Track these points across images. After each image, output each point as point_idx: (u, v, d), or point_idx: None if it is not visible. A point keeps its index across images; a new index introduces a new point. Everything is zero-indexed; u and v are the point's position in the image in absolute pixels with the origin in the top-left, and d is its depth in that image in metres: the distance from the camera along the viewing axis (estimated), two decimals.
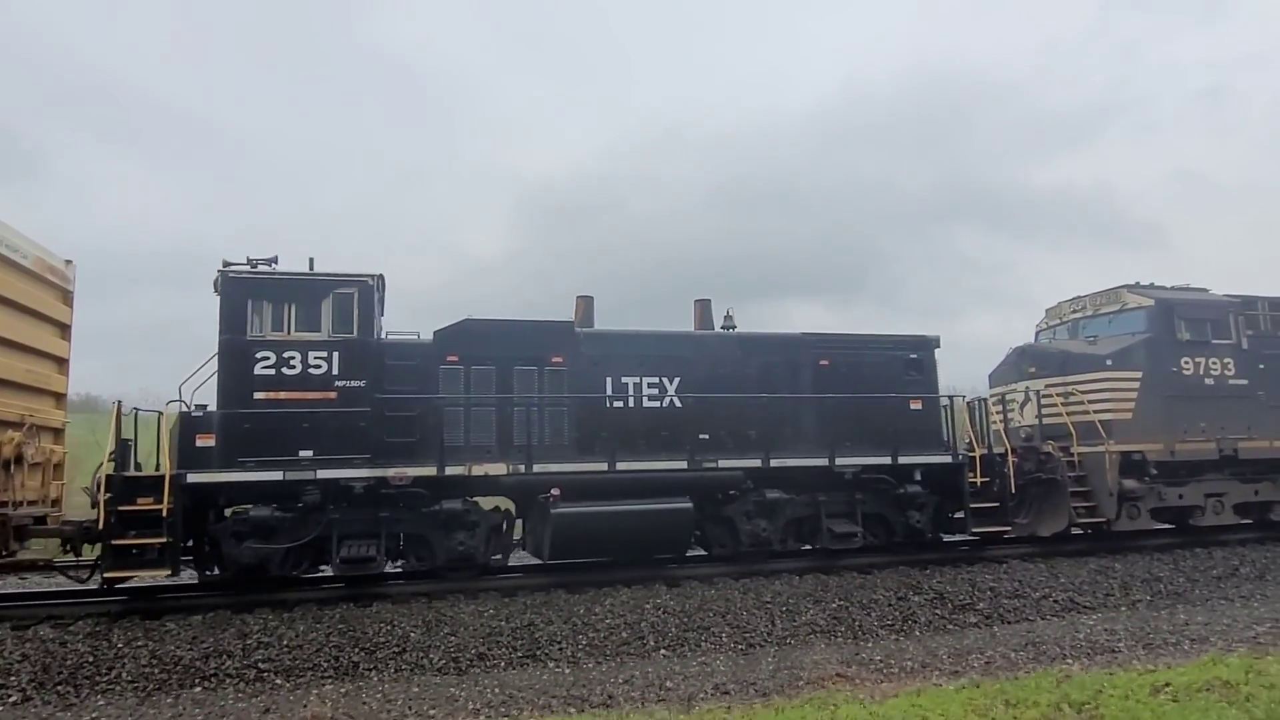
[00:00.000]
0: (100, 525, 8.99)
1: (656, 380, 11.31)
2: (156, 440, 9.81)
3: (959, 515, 12.09)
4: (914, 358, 12.54)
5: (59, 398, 10.95)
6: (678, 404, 11.31)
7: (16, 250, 9.75)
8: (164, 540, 9.03)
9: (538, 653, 8.32)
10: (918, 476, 11.81)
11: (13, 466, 9.34)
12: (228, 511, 9.93)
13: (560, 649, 8.41)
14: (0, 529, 9.20)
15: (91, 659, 7.87)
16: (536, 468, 10.24)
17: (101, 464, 9.30)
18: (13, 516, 9.29)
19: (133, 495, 9.14)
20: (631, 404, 11.16)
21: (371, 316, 10.15)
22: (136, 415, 9.88)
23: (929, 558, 11.75)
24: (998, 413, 13.97)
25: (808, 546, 11.76)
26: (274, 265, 10.25)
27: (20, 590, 11.14)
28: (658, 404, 11.27)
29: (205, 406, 9.72)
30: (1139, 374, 13.13)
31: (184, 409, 9.66)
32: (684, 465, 10.76)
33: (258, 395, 9.58)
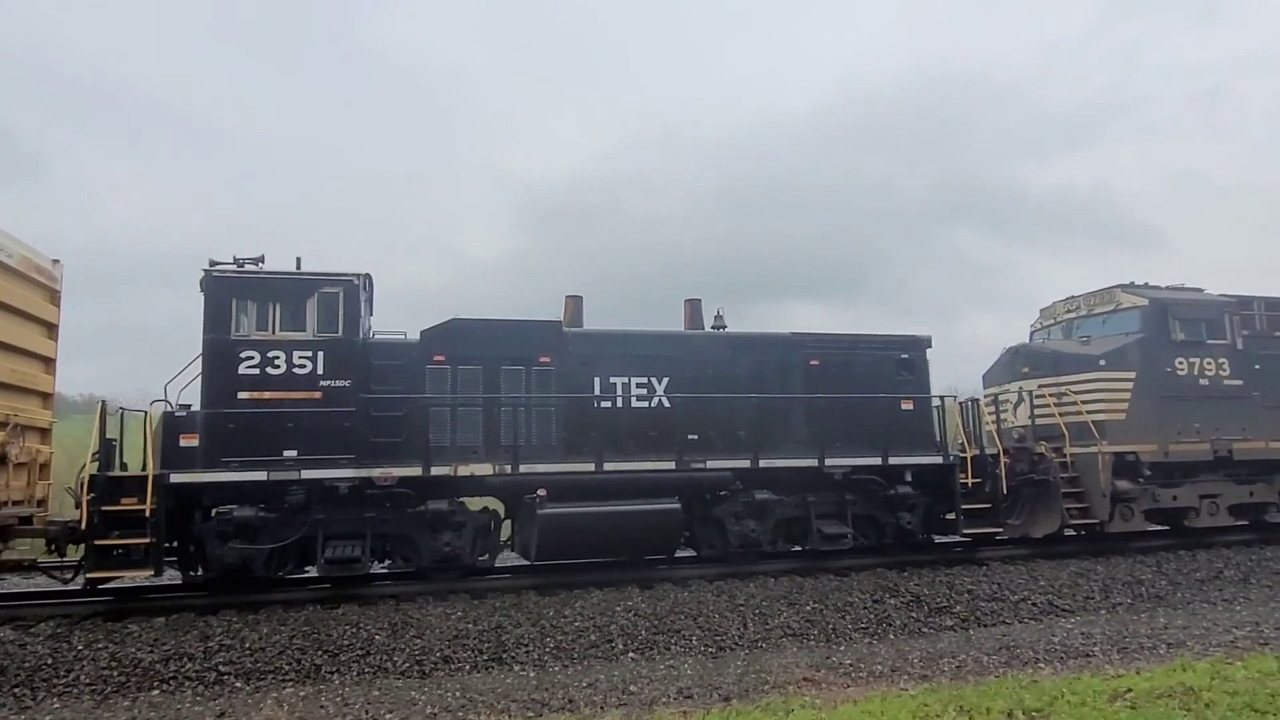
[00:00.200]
0: (83, 525, 8.97)
1: (645, 380, 11.25)
2: (147, 440, 9.77)
3: (951, 517, 12.00)
4: (905, 358, 12.46)
5: (46, 397, 10.87)
6: (666, 404, 11.24)
7: (2, 249, 9.69)
8: (148, 541, 9.01)
9: (504, 656, 8.24)
10: (908, 477, 11.73)
11: None
12: (213, 512, 9.88)
13: (527, 652, 8.33)
14: None
15: (50, 661, 7.80)
16: (523, 468, 10.19)
17: (85, 464, 9.29)
18: None
19: (116, 495, 9.10)
20: (620, 404, 11.11)
21: (357, 316, 10.10)
22: (122, 415, 9.85)
23: (908, 559, 11.63)
24: (990, 413, 13.88)
25: (798, 548, 11.69)
26: (260, 264, 10.23)
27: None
28: (646, 404, 11.21)
29: (189, 406, 9.68)
30: (1132, 374, 13.04)
31: (168, 409, 9.62)
32: (672, 466, 10.69)
33: (242, 395, 9.54)
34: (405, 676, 7.78)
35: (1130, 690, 5.87)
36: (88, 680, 7.54)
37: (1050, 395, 13.31)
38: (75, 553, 9.58)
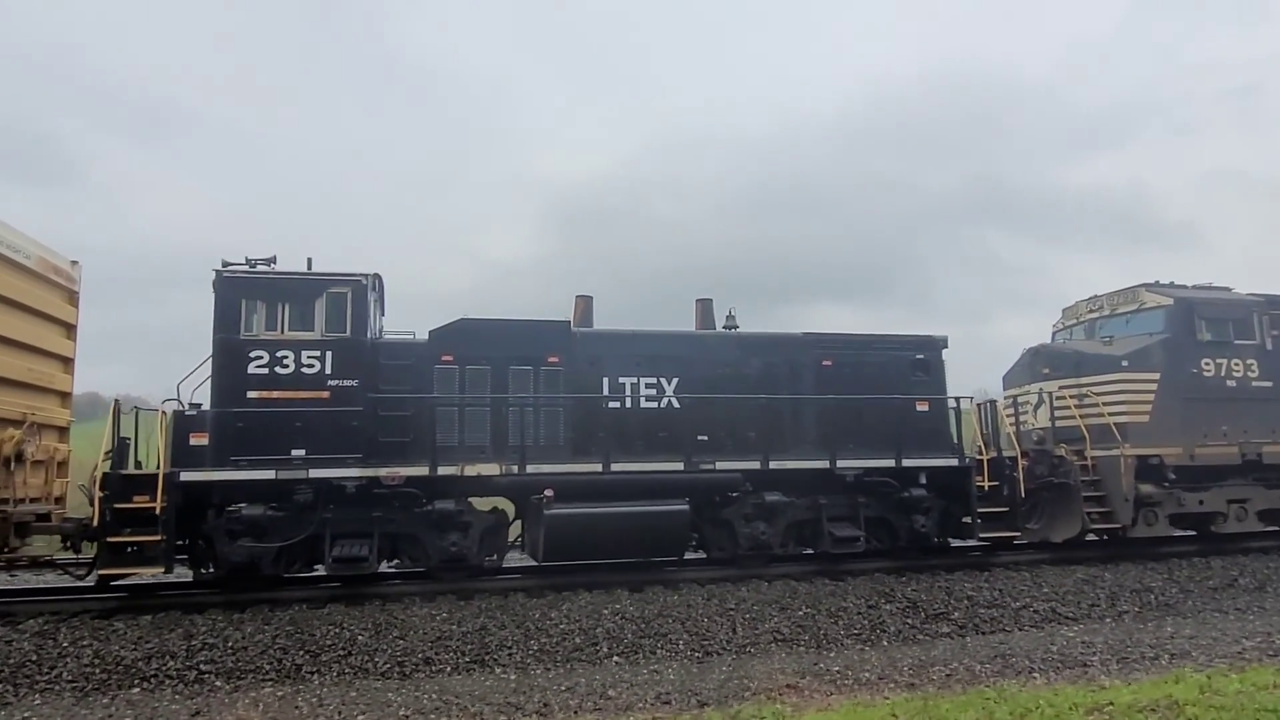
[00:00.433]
0: (95, 523, 9.10)
1: (654, 380, 11.19)
2: (158, 439, 9.89)
3: (968, 520, 11.78)
4: (920, 358, 12.26)
5: (64, 396, 11.07)
6: (676, 405, 11.17)
7: (19, 250, 9.87)
8: (159, 538, 9.13)
9: (486, 658, 8.16)
10: (922, 480, 11.52)
11: (13, 464, 9.45)
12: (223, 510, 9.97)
13: (510, 654, 8.24)
14: (1, 526, 9.32)
15: (35, 658, 7.85)
16: (530, 468, 10.16)
17: (98, 462, 9.43)
18: (13, 514, 9.38)
19: (129, 493, 9.24)
20: (629, 404, 11.05)
21: (365, 316, 10.14)
22: (137, 414, 10.00)
23: (906, 564, 11.37)
24: (1009, 415, 13.63)
25: (809, 550, 11.54)
26: (273, 265, 10.32)
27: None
28: (655, 404, 11.15)
29: (200, 405, 9.78)
30: (1156, 375, 12.73)
31: (179, 407, 9.73)
32: (681, 467, 10.61)
33: (251, 394, 9.62)
34: (385, 678, 7.74)
35: (1111, 704, 5.62)
36: (70, 677, 7.59)
37: (1071, 397, 13.02)
38: (91, 550, 9.74)
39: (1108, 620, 9.92)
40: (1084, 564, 11.85)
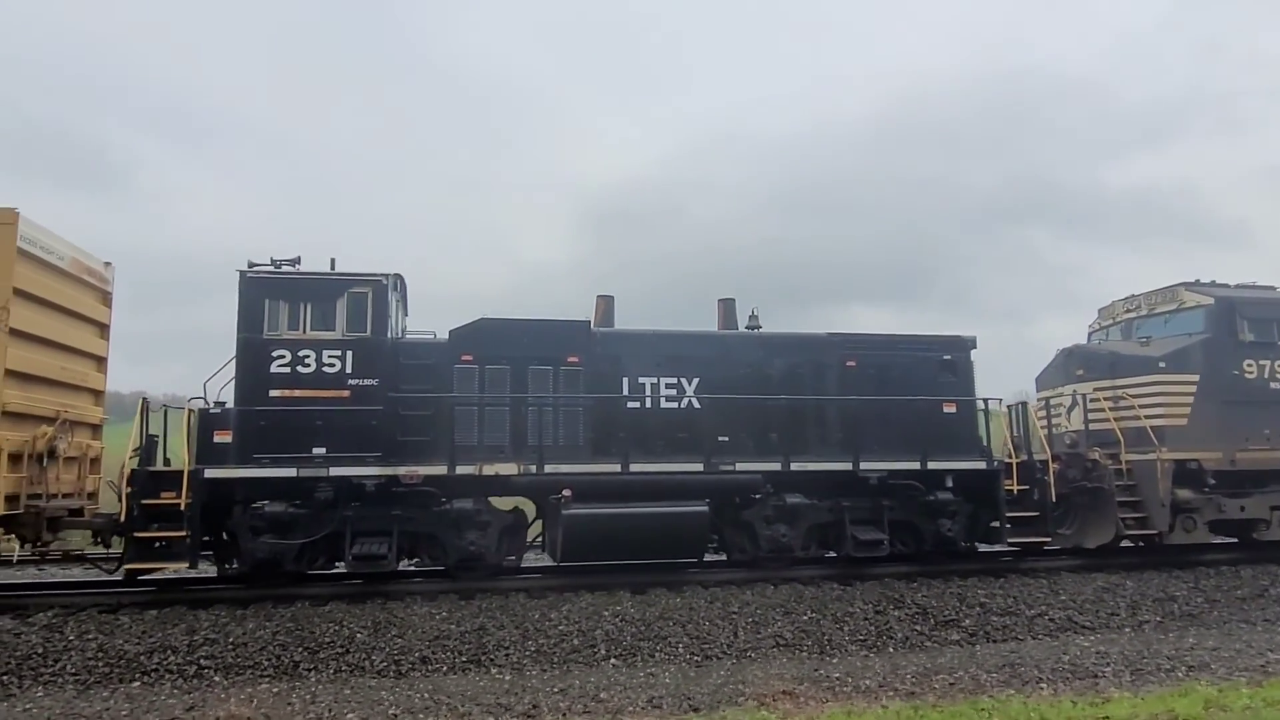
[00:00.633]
0: (122, 518, 9.30)
1: (675, 381, 11.10)
2: (184, 436, 10.06)
3: (997, 525, 11.50)
4: (948, 359, 11.99)
5: (97, 395, 11.33)
6: (696, 405, 11.07)
7: (52, 252, 10.12)
8: (184, 534, 9.30)
9: (483, 658, 8.13)
10: (949, 483, 11.27)
11: (46, 460, 9.69)
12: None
13: (507, 655, 8.21)
14: (34, 520, 9.56)
15: (41, 650, 8.01)
16: (548, 468, 10.16)
17: (126, 459, 9.64)
18: (46, 508, 9.63)
19: (156, 489, 9.43)
20: (648, 405, 10.98)
21: (385, 316, 10.22)
22: (166, 412, 10.20)
23: (918, 570, 11.07)
24: (1041, 418, 13.29)
25: (832, 554, 11.37)
26: (297, 265, 10.45)
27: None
28: (676, 405, 11.06)
29: (224, 404, 9.94)
30: (1195, 377, 12.31)
31: (205, 405, 9.89)
32: (700, 468, 10.52)
33: (273, 393, 9.75)
34: (381, 676, 7.76)
35: (1107, 718, 5.40)
36: (73, 670, 7.73)
37: (1105, 399, 12.65)
38: (120, 545, 9.94)
39: (1126, 630, 9.61)
40: (1105, 571, 11.46)
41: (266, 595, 9.51)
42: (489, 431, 10.48)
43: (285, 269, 10.33)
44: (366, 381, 9.96)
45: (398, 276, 10.88)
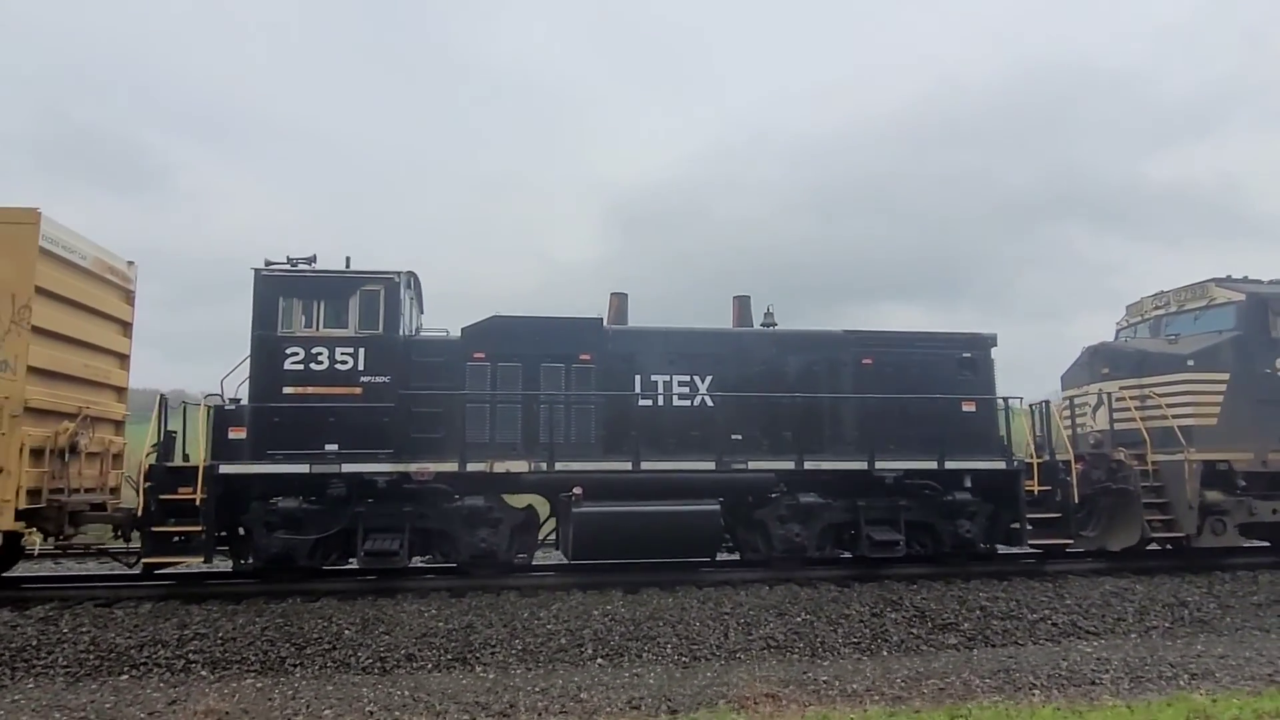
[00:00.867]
0: (140, 513, 9.46)
1: (687, 378, 11.03)
2: (203, 432, 10.21)
3: (1017, 526, 11.24)
4: (967, 356, 11.76)
5: (120, 391, 11.54)
6: (709, 403, 10.99)
7: (74, 251, 10.30)
8: (200, 528, 9.43)
9: (468, 656, 8.10)
10: (967, 483, 11.04)
11: (68, 455, 9.88)
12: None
13: (493, 653, 8.17)
14: (56, 514, 9.75)
15: (35, 643, 8.10)
16: (559, 466, 10.14)
17: (145, 455, 9.80)
18: (68, 502, 9.82)
19: (174, 485, 9.57)
20: (661, 402, 10.91)
21: (398, 313, 10.27)
22: (184, 409, 10.36)
23: (918, 573, 10.83)
24: (1065, 417, 12.99)
25: (847, 554, 11.21)
26: (313, 263, 10.54)
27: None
28: (688, 403, 10.99)
29: (239, 400, 10.06)
30: (1225, 375, 11.95)
31: (220, 402, 10.02)
32: (712, 466, 10.43)
33: (286, 390, 9.84)
34: (365, 673, 7.76)
35: None
36: (64, 663, 7.82)
37: (1132, 398, 12.33)
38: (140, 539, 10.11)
39: (1132, 636, 9.32)
40: (1114, 575, 11.13)
41: (260, 591, 9.60)
42: (500, 429, 10.49)
43: (302, 267, 10.43)
44: (379, 379, 10.01)
45: (411, 274, 10.94)
